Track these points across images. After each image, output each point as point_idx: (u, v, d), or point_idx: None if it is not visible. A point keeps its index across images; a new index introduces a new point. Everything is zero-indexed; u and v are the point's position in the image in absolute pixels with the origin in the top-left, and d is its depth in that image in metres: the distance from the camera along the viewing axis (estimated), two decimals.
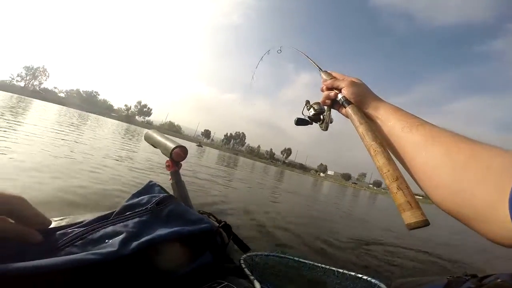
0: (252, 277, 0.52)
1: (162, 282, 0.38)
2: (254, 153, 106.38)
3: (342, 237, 2.95)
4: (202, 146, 46.03)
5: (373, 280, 0.78)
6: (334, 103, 0.58)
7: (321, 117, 0.59)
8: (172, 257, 0.41)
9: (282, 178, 15.24)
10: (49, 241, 0.35)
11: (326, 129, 0.58)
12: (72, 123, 10.98)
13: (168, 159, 0.72)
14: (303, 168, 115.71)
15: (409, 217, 0.35)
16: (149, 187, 0.56)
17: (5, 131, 4.23)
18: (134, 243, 0.37)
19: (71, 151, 4.02)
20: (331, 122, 0.58)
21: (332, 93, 0.57)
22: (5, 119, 5.92)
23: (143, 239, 0.38)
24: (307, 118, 0.61)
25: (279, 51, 0.84)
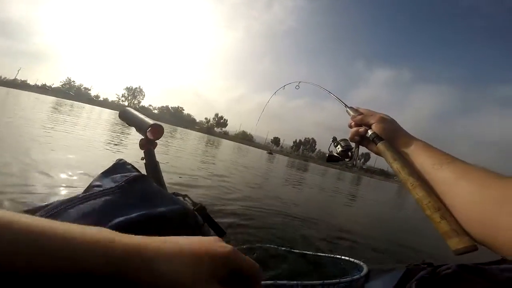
0: None
1: None
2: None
3: None
4: (272, 154, 46.80)
5: (353, 260, 0.91)
6: (363, 140, 0.58)
7: (349, 153, 0.60)
8: None
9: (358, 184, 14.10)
10: None
11: (354, 165, 0.59)
12: (171, 135, 13.26)
13: (142, 137, 0.69)
14: (384, 174, 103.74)
15: (457, 243, 0.36)
16: (119, 166, 0.51)
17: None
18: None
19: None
20: (359, 160, 0.60)
21: (362, 129, 0.57)
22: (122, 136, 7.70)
23: (111, 223, 0.35)
24: (337, 155, 0.61)
25: (297, 87, 0.81)
